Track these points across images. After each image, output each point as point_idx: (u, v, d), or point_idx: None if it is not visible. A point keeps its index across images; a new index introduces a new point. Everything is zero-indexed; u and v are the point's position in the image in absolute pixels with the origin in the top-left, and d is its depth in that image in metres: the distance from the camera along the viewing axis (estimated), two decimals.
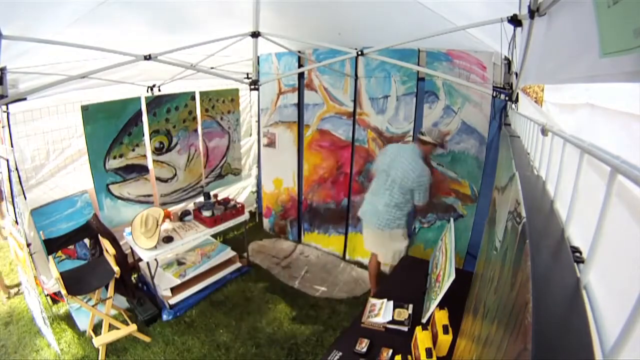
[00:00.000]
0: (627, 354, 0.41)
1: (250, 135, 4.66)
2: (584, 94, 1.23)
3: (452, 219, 2.99)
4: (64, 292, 2.46)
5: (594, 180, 0.68)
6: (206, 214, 3.38)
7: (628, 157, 0.49)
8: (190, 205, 3.73)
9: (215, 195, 3.86)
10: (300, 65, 3.79)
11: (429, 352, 1.87)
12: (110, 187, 3.09)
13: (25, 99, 2.51)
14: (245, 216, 3.63)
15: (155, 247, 2.96)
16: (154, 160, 3.39)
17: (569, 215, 0.77)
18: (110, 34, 2.36)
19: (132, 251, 3.26)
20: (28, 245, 2.60)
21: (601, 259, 0.58)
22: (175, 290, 3.12)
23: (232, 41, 2.47)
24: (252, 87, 2.72)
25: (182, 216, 3.49)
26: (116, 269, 2.67)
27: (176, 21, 2.48)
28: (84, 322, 2.81)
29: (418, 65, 3.04)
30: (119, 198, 3.16)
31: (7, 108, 2.56)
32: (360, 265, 3.78)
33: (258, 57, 2.93)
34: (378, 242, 2.98)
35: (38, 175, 2.90)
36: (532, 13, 1.14)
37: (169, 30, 2.60)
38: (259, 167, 4.68)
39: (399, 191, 2.70)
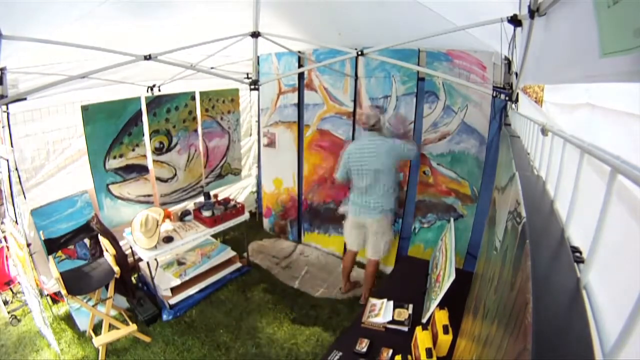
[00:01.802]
0: (627, 354, 0.41)
1: (250, 135, 4.66)
2: (584, 94, 1.22)
3: (452, 219, 3.00)
4: (64, 292, 2.46)
5: (594, 180, 0.68)
6: (206, 214, 3.38)
7: (628, 157, 0.49)
8: (190, 205, 3.73)
9: (216, 195, 3.86)
10: (300, 65, 3.79)
11: (429, 352, 1.87)
12: (110, 187, 3.09)
13: (25, 99, 2.51)
14: (245, 216, 3.63)
15: (155, 247, 2.96)
16: (154, 160, 3.39)
17: (569, 215, 0.78)
18: (111, 33, 2.36)
19: (132, 251, 3.26)
20: (28, 245, 2.60)
21: (601, 259, 0.58)
22: (175, 290, 3.12)
23: (232, 41, 2.47)
24: (252, 87, 2.72)
25: (182, 216, 3.49)
26: (116, 269, 2.67)
27: (174, 17, 2.47)
28: (84, 322, 2.81)
29: (418, 65, 3.04)
30: (119, 198, 3.16)
31: (7, 108, 2.56)
32: (360, 265, 3.78)
33: (258, 57, 2.93)
34: (376, 236, 3.03)
35: (38, 176, 2.90)
36: (532, 13, 1.14)
37: (168, 28, 2.60)
38: (259, 167, 4.68)
39: (387, 175, 2.88)
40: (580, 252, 0.68)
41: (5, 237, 2.94)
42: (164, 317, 2.98)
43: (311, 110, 3.87)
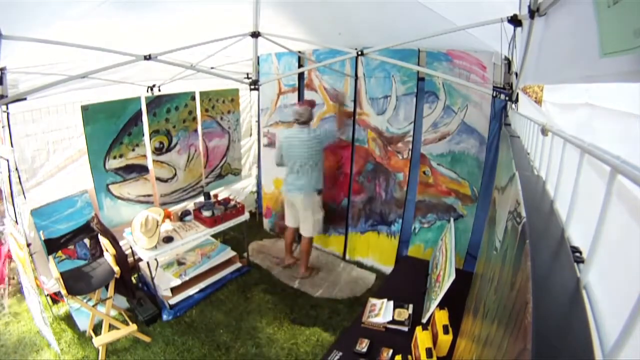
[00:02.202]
0: (627, 354, 0.41)
1: (250, 135, 4.66)
2: (583, 94, 1.23)
3: (452, 219, 3.00)
4: (64, 292, 2.46)
5: (594, 180, 0.68)
6: (206, 214, 3.38)
7: (628, 157, 0.49)
8: (190, 205, 3.73)
9: (216, 195, 3.86)
10: (300, 65, 3.79)
11: (429, 352, 1.87)
12: (110, 187, 3.09)
13: (25, 99, 2.51)
14: (245, 216, 3.63)
15: (155, 247, 2.96)
16: (154, 160, 3.39)
17: (569, 215, 0.78)
18: (111, 33, 2.36)
19: (132, 251, 3.26)
20: (28, 245, 2.60)
21: (601, 259, 0.58)
22: (175, 290, 3.12)
23: (232, 41, 2.47)
24: (252, 87, 2.72)
25: (182, 216, 3.49)
26: (116, 269, 2.67)
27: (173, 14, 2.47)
28: (84, 322, 2.81)
29: (418, 65, 3.04)
30: (119, 198, 3.16)
31: (7, 108, 2.56)
32: (360, 265, 3.78)
33: (258, 57, 2.93)
34: (306, 212, 3.43)
35: (38, 176, 2.90)
36: (532, 13, 1.14)
37: (168, 28, 2.60)
38: (259, 167, 4.68)
39: (313, 160, 3.31)
40: (580, 252, 0.68)
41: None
42: (164, 317, 2.98)
43: None
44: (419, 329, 2.04)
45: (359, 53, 2.25)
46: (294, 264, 3.72)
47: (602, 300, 0.54)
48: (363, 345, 2.17)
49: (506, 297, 0.83)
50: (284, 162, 3.43)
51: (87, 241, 3.09)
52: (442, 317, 2.01)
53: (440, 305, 2.07)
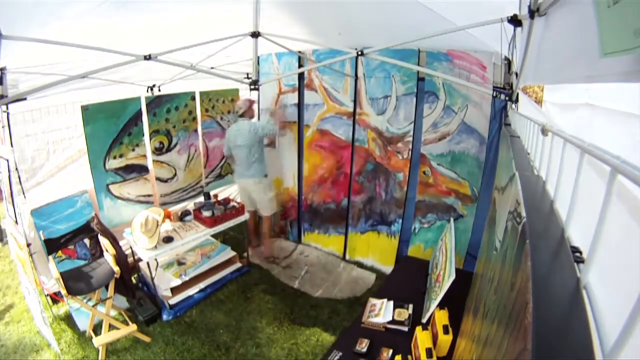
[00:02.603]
0: (627, 354, 0.41)
1: None
2: (584, 94, 1.23)
3: (452, 219, 3.00)
4: (64, 292, 2.46)
5: (594, 180, 0.68)
6: (206, 214, 3.38)
7: (628, 157, 0.49)
8: (190, 205, 3.73)
9: (216, 196, 3.86)
10: (300, 65, 3.79)
11: (429, 352, 1.87)
12: (110, 187, 3.09)
13: (25, 99, 2.51)
14: (245, 216, 3.63)
15: (155, 247, 2.96)
16: (154, 160, 3.39)
17: (569, 215, 0.78)
18: (110, 33, 2.36)
19: (132, 251, 3.26)
20: (28, 245, 2.60)
21: (601, 259, 0.58)
22: (175, 290, 3.12)
23: (232, 41, 2.47)
24: (252, 87, 2.72)
25: (182, 216, 3.49)
26: (116, 269, 2.67)
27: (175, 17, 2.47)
28: (84, 322, 2.81)
29: (418, 65, 3.04)
30: (119, 198, 3.17)
31: (7, 108, 2.56)
32: (360, 265, 3.78)
33: (258, 57, 2.93)
34: (259, 196, 3.71)
35: (38, 176, 2.90)
36: (532, 13, 1.14)
37: (168, 28, 2.59)
38: None
39: (257, 148, 3.57)
40: (580, 252, 0.68)
41: None
42: (164, 317, 2.98)
43: (311, 111, 3.87)
44: (419, 329, 2.04)
45: (359, 53, 2.25)
46: (258, 245, 4.06)
47: (602, 300, 0.54)
48: (363, 345, 2.17)
49: (506, 297, 0.83)
50: (232, 153, 3.66)
51: (87, 241, 3.09)
52: (442, 317, 2.01)
53: (440, 305, 2.07)
